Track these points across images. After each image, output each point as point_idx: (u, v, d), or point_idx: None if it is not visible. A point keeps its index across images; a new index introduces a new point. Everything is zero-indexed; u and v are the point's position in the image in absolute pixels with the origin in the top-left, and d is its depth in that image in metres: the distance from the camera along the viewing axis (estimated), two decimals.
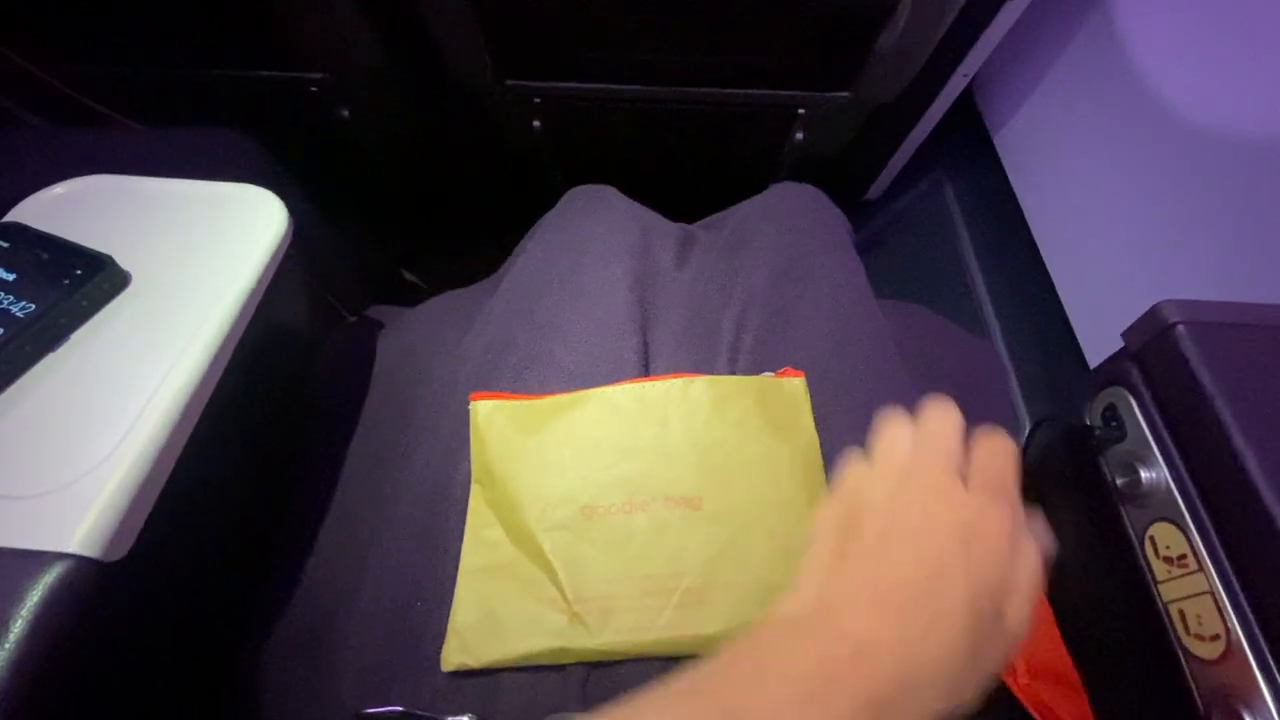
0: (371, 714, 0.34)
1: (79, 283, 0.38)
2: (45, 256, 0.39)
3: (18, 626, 0.28)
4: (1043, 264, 0.76)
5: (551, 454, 0.39)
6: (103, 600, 0.31)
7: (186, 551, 0.39)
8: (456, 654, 0.35)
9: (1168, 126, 0.62)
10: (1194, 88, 0.60)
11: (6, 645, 0.27)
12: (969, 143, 0.89)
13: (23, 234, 0.41)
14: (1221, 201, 0.58)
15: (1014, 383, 0.76)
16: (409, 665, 0.36)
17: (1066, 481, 0.45)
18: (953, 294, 0.88)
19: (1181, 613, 0.34)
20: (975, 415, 0.53)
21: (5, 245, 0.39)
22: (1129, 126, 0.66)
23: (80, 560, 0.30)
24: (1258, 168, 0.54)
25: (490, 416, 0.41)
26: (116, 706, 0.35)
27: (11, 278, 0.38)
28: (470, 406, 0.42)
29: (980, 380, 0.59)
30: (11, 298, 0.37)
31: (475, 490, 0.40)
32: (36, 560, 0.29)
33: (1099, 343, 0.68)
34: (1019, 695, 0.36)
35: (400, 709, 0.34)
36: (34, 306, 0.36)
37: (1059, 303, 0.73)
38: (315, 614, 0.42)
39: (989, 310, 0.83)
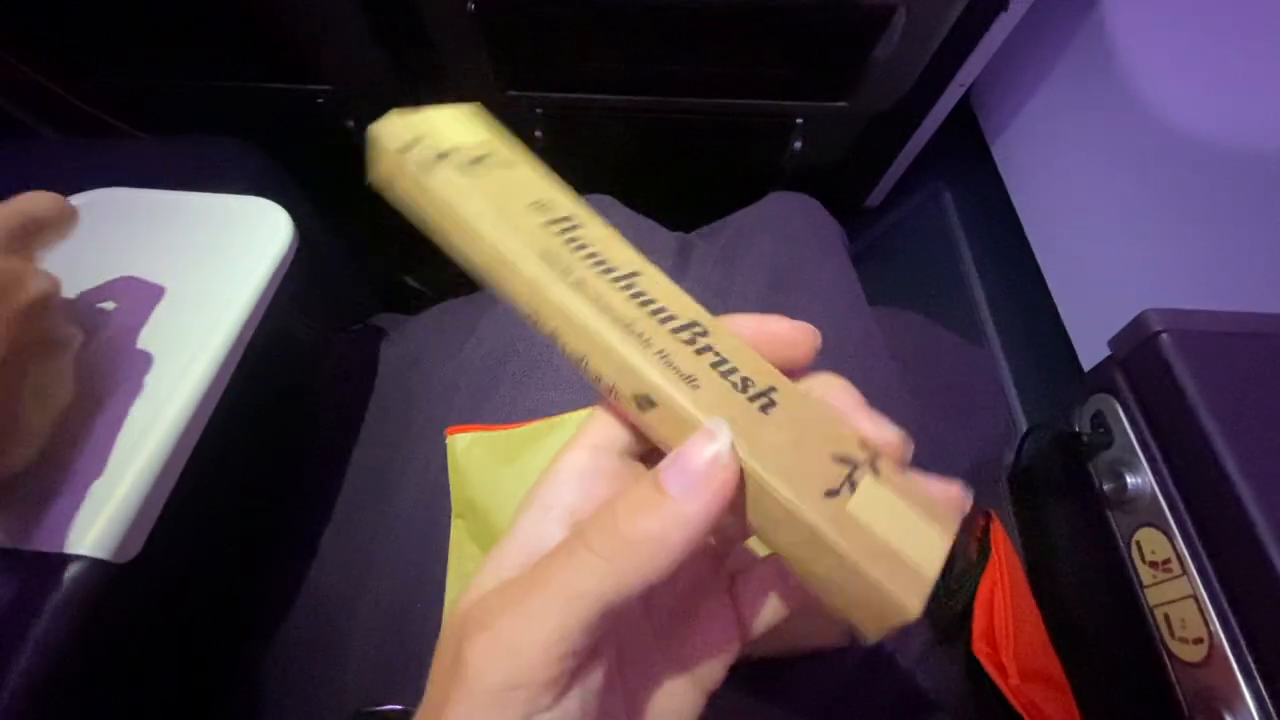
0: (372, 712, 0.35)
1: None
2: None
3: (33, 625, 0.29)
4: (1039, 271, 0.76)
5: None
6: (113, 601, 0.32)
7: (194, 553, 0.40)
8: None
9: (1164, 134, 0.62)
10: (1190, 97, 0.61)
11: (22, 645, 0.28)
12: (967, 151, 0.90)
13: None
14: (1218, 210, 0.58)
15: (1011, 389, 0.76)
16: (409, 664, 0.37)
17: (1056, 487, 0.45)
18: (950, 300, 0.88)
19: (1166, 616, 0.35)
20: (971, 422, 0.53)
21: None
22: (1126, 134, 0.67)
23: (92, 562, 0.31)
24: (1255, 177, 0.55)
25: (469, 450, 0.40)
26: (124, 705, 0.36)
27: None
28: (447, 441, 0.39)
29: (976, 387, 0.60)
30: None
31: (457, 525, 0.39)
32: (51, 562, 0.30)
33: (1095, 350, 0.68)
34: (1010, 696, 0.37)
35: (400, 707, 0.35)
36: None
37: (1055, 310, 0.73)
38: (318, 614, 0.43)
39: (986, 317, 0.83)
